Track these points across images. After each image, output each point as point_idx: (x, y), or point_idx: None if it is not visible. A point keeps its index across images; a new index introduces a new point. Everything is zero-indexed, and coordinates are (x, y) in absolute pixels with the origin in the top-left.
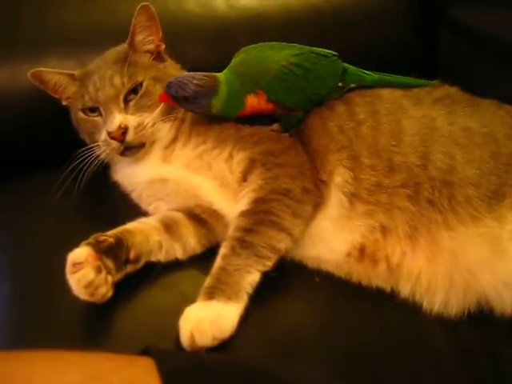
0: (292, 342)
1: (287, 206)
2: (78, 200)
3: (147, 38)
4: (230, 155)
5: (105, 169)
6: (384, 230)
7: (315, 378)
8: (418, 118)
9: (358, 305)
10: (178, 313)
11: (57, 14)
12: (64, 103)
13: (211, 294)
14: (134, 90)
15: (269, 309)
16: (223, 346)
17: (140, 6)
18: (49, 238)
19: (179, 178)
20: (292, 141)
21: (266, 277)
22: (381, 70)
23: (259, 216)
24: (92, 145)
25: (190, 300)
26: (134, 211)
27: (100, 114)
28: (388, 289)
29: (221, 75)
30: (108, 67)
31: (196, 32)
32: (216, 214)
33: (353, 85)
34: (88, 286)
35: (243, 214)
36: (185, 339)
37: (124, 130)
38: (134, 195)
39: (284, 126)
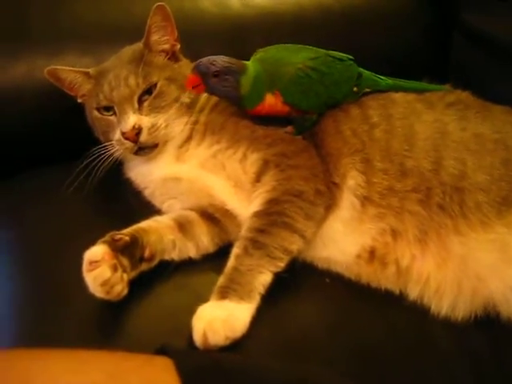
0: (301, 341)
1: (300, 207)
2: (91, 196)
3: (162, 38)
4: (244, 156)
5: (118, 165)
6: (394, 234)
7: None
8: (430, 122)
9: (367, 306)
10: (191, 311)
11: (72, 9)
12: (79, 100)
13: (224, 294)
14: (149, 91)
15: (279, 309)
16: (234, 345)
17: (155, 5)
18: (62, 234)
19: (193, 177)
20: (305, 143)
21: (278, 277)
22: (391, 70)
23: (272, 217)
24: (106, 143)
25: (202, 299)
26: (147, 208)
27: (114, 113)
28: (397, 291)
29: (247, 62)
30: (123, 66)
31: (211, 31)
32: (229, 214)
33: (367, 89)
34: (104, 284)
35: (256, 214)
36: (198, 338)
37: (138, 131)
38: (146, 193)
39: (298, 128)
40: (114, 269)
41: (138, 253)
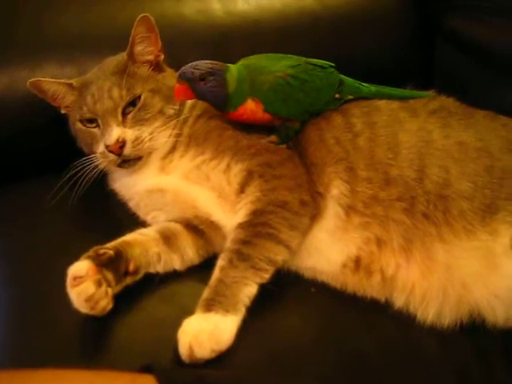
0: (288, 352)
1: (284, 218)
2: (75, 208)
3: (146, 49)
4: (228, 166)
5: (103, 176)
6: (379, 242)
7: None
8: (414, 130)
9: (353, 315)
10: (176, 324)
11: (56, 20)
12: (63, 111)
13: (209, 307)
14: (133, 103)
15: (265, 320)
16: (220, 358)
17: (140, 17)
18: (46, 247)
19: (177, 188)
20: (289, 153)
21: (263, 288)
22: (377, 76)
23: (256, 228)
24: (90, 155)
25: (188, 311)
26: (132, 220)
27: (98, 126)
28: (382, 300)
29: (229, 64)
30: (106, 78)
31: (194, 38)
32: (214, 226)
33: (350, 96)
34: (89, 299)
35: (241, 226)
36: (183, 351)
37: (122, 144)
38: (131, 204)
39: (281, 137)
40: (99, 284)
41: (122, 267)
